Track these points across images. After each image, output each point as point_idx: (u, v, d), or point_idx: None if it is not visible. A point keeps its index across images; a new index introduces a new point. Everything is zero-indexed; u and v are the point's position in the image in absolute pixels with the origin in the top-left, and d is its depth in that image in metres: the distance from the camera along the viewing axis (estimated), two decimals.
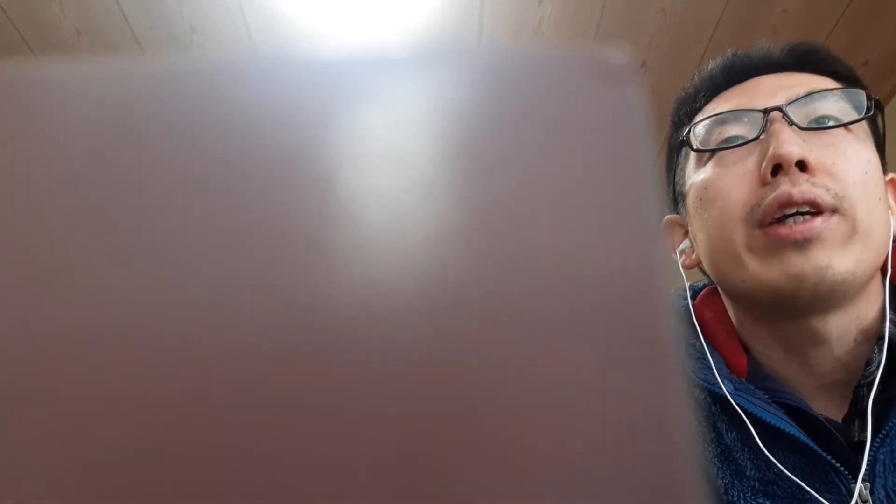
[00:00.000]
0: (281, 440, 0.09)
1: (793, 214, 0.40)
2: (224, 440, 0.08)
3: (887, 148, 0.47)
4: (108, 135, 0.10)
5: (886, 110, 0.46)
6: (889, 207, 0.44)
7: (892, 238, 0.43)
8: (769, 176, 0.40)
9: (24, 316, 0.09)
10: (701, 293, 0.52)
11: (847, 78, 0.46)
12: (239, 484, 0.08)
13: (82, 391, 0.09)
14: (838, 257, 0.39)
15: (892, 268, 0.43)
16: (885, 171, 0.45)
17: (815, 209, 0.39)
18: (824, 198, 0.39)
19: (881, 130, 0.46)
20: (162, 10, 1.06)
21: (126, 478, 0.08)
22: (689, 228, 0.49)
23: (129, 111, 0.10)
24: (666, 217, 0.52)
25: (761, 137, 0.42)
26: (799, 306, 0.41)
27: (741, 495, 0.41)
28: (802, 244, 0.39)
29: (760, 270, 0.41)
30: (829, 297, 0.40)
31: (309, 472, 0.08)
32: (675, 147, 0.51)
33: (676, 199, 0.51)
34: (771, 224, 0.40)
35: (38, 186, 0.10)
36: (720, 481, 0.43)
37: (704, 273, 0.50)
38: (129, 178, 0.10)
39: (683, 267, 0.50)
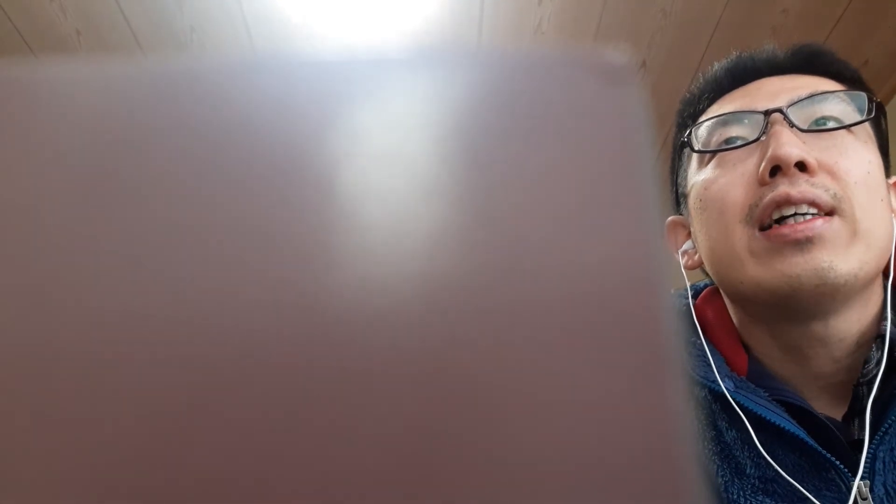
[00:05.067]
0: (280, 441, 0.09)
1: (792, 215, 0.40)
2: (223, 442, 0.08)
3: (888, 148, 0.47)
4: (108, 135, 0.10)
5: (886, 110, 0.46)
6: (892, 210, 0.44)
7: (894, 241, 0.43)
8: (767, 176, 0.40)
9: (23, 316, 0.09)
10: (703, 293, 0.52)
11: (851, 80, 0.46)
12: (239, 486, 0.08)
13: (81, 393, 0.09)
14: (841, 258, 0.39)
15: (894, 270, 0.43)
16: (888, 174, 0.45)
17: (815, 208, 0.39)
18: (823, 198, 0.39)
19: (885, 133, 0.46)
20: (162, 10, 1.06)
21: (126, 480, 0.08)
22: (691, 229, 0.49)
23: (129, 111, 0.10)
24: (669, 218, 0.52)
25: (762, 139, 0.42)
26: (799, 309, 0.41)
27: (741, 493, 0.41)
28: (804, 244, 0.39)
29: (760, 272, 0.41)
30: (830, 299, 0.40)
31: (308, 472, 0.08)
32: (678, 148, 0.51)
33: (679, 200, 0.51)
34: (771, 226, 0.40)
35: (38, 186, 0.10)
36: (720, 479, 0.43)
37: (706, 273, 0.50)
38: (129, 177, 0.10)
39: (686, 268, 0.50)
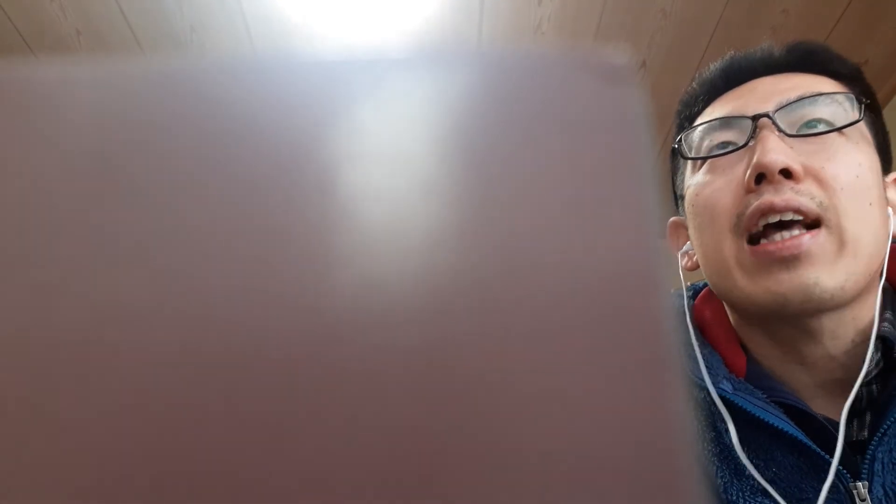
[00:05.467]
0: (280, 441, 0.09)
1: (777, 223, 0.40)
2: (223, 441, 0.09)
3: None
4: (108, 135, 0.10)
5: (886, 110, 0.46)
6: (888, 206, 0.43)
7: (890, 239, 0.43)
8: (753, 184, 0.40)
9: (22, 317, 0.09)
10: (701, 293, 0.52)
11: (849, 77, 0.46)
12: (239, 485, 0.08)
13: (83, 390, 0.09)
14: (827, 274, 0.39)
15: (888, 270, 0.43)
16: (889, 171, 0.45)
17: (800, 216, 0.39)
18: (809, 206, 0.39)
19: (884, 131, 0.46)
20: (162, 10, 1.06)
21: (126, 479, 0.08)
22: (688, 231, 0.49)
23: (129, 111, 0.10)
24: (671, 219, 0.52)
25: (750, 144, 0.42)
26: (788, 318, 0.41)
27: (740, 494, 0.41)
28: (790, 261, 0.39)
29: (748, 286, 0.41)
30: (819, 309, 0.40)
31: (309, 472, 0.08)
32: (673, 151, 0.51)
33: (678, 201, 0.51)
34: (759, 239, 0.40)
35: (38, 186, 0.10)
36: (719, 480, 0.43)
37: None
38: (129, 178, 0.10)
39: (685, 269, 0.50)
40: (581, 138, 0.10)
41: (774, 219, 0.39)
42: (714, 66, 0.49)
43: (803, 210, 0.39)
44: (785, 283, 0.39)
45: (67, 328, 0.09)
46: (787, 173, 0.40)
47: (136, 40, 1.11)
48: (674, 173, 0.52)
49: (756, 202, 0.40)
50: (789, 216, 0.39)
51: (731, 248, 0.42)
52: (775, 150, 0.40)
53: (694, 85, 0.50)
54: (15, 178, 0.10)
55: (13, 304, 0.09)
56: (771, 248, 0.39)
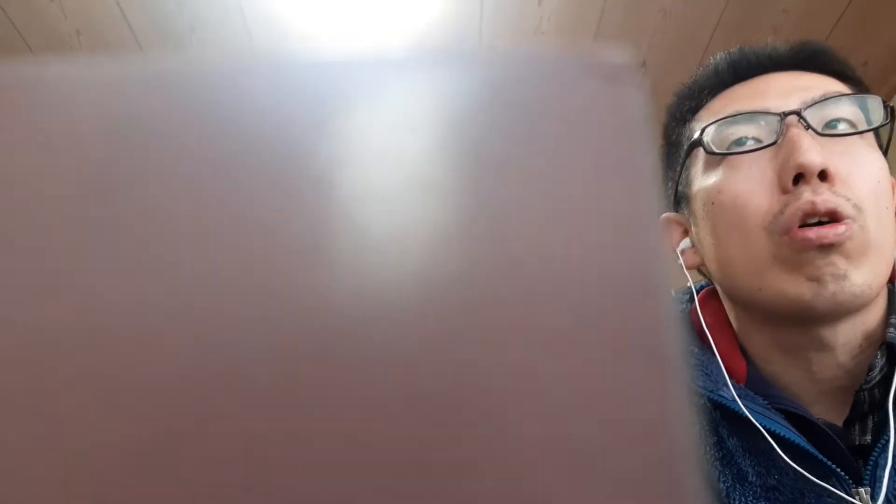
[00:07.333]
0: (279, 441, 0.09)
1: (815, 224, 0.39)
2: (221, 442, 0.08)
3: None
4: (108, 135, 0.10)
5: None
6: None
7: None
8: (791, 184, 0.40)
9: (23, 316, 0.09)
10: (699, 295, 0.52)
11: (853, 80, 0.46)
12: (236, 486, 0.08)
13: (80, 393, 0.09)
14: (854, 269, 0.39)
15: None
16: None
17: (836, 219, 0.39)
18: (845, 207, 0.39)
19: (888, 134, 0.46)
20: (162, 9, 1.06)
21: (123, 480, 0.08)
22: (693, 230, 0.48)
23: (129, 111, 0.10)
24: (664, 215, 0.51)
25: (779, 142, 0.42)
26: (815, 315, 0.40)
27: (742, 500, 0.41)
28: (827, 248, 0.39)
29: (784, 280, 0.40)
30: (845, 307, 0.40)
31: (306, 472, 0.08)
32: (680, 144, 0.50)
33: (679, 198, 0.50)
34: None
35: (38, 186, 0.10)
36: (721, 486, 0.42)
37: (703, 274, 0.49)
38: (128, 178, 0.10)
39: (686, 267, 0.49)
40: (581, 138, 0.10)
41: (813, 220, 0.39)
42: (720, 57, 0.48)
43: (840, 212, 0.39)
44: (820, 267, 0.39)
45: (68, 329, 0.09)
46: (822, 174, 0.39)
47: (136, 40, 1.11)
48: (673, 169, 0.51)
49: (797, 203, 0.39)
50: (826, 220, 0.39)
51: (766, 244, 0.41)
52: (813, 150, 0.39)
53: (696, 77, 0.49)
54: (15, 178, 0.10)
55: (14, 302, 0.09)
56: (811, 234, 0.39)
